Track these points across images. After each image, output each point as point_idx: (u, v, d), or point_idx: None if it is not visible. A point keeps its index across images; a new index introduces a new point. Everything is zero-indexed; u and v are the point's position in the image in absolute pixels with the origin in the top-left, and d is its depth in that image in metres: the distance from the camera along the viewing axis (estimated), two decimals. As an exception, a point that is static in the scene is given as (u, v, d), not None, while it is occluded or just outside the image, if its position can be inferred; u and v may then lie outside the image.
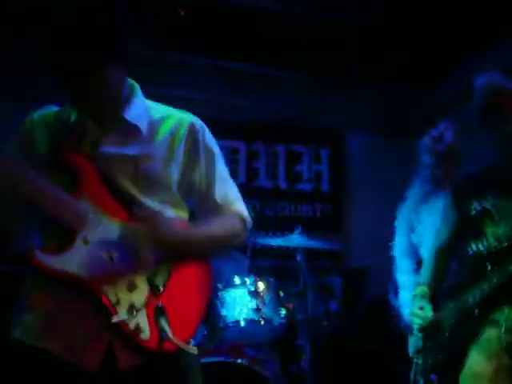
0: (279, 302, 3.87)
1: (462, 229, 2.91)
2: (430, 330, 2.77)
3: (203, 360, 3.33)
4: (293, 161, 6.59)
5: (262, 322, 3.72)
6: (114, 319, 1.75)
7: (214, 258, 2.14)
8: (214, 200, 2.08)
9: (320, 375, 4.32)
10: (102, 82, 1.86)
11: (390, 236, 5.46)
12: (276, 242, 4.38)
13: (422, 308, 2.84)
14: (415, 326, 2.85)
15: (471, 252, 2.77)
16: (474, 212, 2.79)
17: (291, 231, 4.21)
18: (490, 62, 5.45)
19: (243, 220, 2.13)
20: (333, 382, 4.90)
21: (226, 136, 6.06)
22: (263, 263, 5.07)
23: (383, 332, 5.23)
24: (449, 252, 3.03)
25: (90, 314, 1.78)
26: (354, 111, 6.55)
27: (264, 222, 5.87)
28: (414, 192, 4.12)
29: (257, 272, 4.03)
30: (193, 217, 2.13)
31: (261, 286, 3.82)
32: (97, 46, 1.79)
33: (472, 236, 2.80)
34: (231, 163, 6.12)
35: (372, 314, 5.76)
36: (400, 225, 4.21)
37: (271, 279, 3.93)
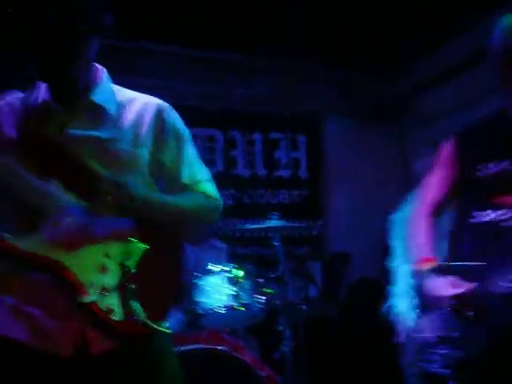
0: (258, 289, 3.89)
1: (460, 189, 2.53)
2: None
3: (184, 348, 3.34)
4: (270, 148, 6.60)
5: (241, 309, 3.73)
6: (84, 299, 1.74)
7: (189, 239, 2.12)
8: (182, 181, 2.08)
9: (301, 360, 4.34)
10: (81, 54, 1.88)
11: (368, 221, 5.51)
12: (253, 226, 4.36)
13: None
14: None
15: (480, 221, 2.38)
16: (480, 174, 2.41)
17: (269, 218, 4.21)
18: (463, 47, 5.51)
19: (211, 199, 2.12)
20: (314, 367, 4.92)
21: (202, 124, 6.02)
22: (242, 251, 5.10)
23: (363, 316, 5.27)
24: (438, 216, 2.59)
25: (62, 298, 1.77)
26: (331, 97, 6.55)
27: (242, 210, 5.82)
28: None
29: (235, 259, 4.04)
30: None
31: (239, 272, 3.84)
32: (84, 18, 1.82)
33: (476, 202, 2.42)
34: (208, 152, 6.02)
35: (352, 298, 5.80)
36: None
37: (249, 266, 3.94)
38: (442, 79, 6.01)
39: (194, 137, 2.17)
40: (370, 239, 5.49)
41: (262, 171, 6.49)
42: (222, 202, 2.16)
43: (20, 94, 2.03)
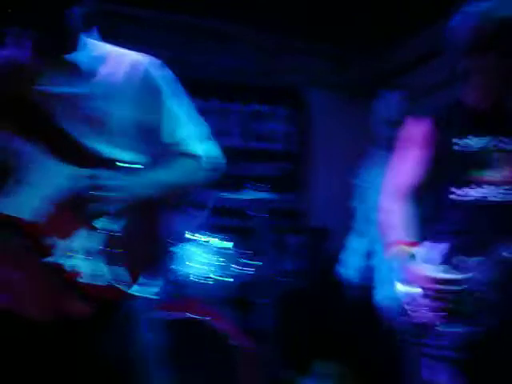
0: (238, 260, 3.89)
1: (437, 167, 2.45)
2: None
3: (162, 315, 3.32)
4: (251, 120, 6.51)
5: (221, 279, 3.74)
6: (56, 260, 1.69)
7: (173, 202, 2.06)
8: (168, 139, 2.00)
9: (281, 333, 4.34)
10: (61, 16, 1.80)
11: (350, 196, 5.50)
12: (233, 197, 4.33)
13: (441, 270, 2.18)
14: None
15: (459, 199, 2.35)
16: (456, 148, 2.37)
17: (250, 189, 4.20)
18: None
19: (197, 158, 2.04)
20: (291, 340, 4.93)
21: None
22: (222, 222, 5.07)
23: (341, 291, 5.29)
24: (416, 196, 2.49)
25: (35, 263, 1.71)
26: (315, 69, 6.47)
27: (223, 181, 5.72)
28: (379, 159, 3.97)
29: (217, 230, 4.02)
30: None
31: (220, 243, 3.83)
32: None
33: (452, 178, 2.39)
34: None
35: (331, 272, 5.81)
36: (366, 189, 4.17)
37: (231, 237, 3.94)
38: (431, 57, 5.98)
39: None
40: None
41: (242, 143, 6.41)
42: (216, 159, 2.09)
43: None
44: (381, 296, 3.67)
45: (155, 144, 2.01)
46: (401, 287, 2.27)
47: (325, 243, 6.17)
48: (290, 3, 5.44)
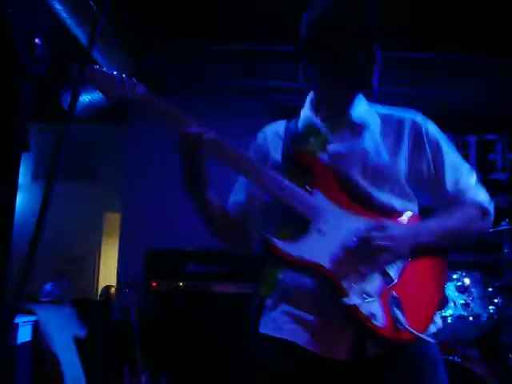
0: (487, 298, 3.74)
1: None
2: None
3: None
4: (485, 150, 6.32)
5: (471, 318, 3.61)
6: (347, 301, 1.79)
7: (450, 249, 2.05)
8: (445, 188, 2.04)
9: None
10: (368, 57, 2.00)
11: None
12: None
13: None
14: None
15: None
16: None
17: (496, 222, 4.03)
18: None
19: (480, 208, 2.04)
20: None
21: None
22: (468, 258, 4.91)
23: None
24: None
25: (329, 303, 1.83)
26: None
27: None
28: None
29: (462, 266, 3.91)
30: (425, 211, 2.09)
31: (467, 280, 3.71)
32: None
33: None
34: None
35: None
36: None
37: (478, 273, 3.80)
38: None
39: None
40: None
41: (476, 174, 6.17)
42: (492, 206, 2.08)
43: (282, 122, 2.20)
44: None
45: (437, 193, 2.08)
46: None
47: None
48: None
